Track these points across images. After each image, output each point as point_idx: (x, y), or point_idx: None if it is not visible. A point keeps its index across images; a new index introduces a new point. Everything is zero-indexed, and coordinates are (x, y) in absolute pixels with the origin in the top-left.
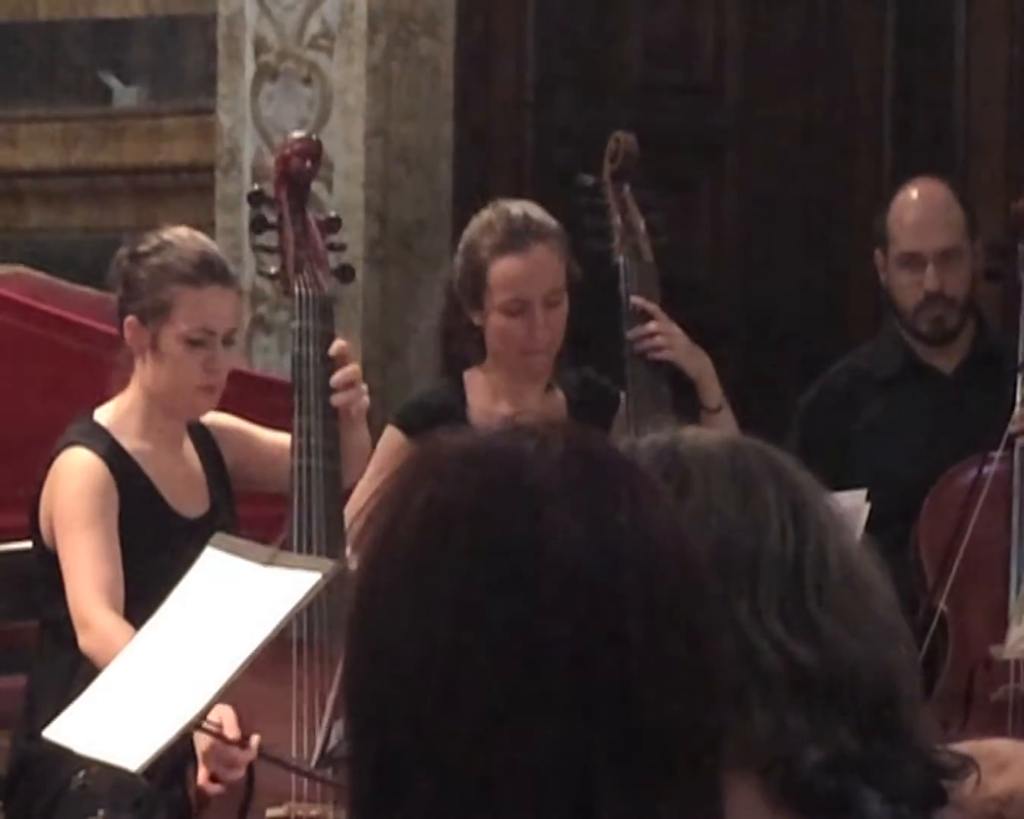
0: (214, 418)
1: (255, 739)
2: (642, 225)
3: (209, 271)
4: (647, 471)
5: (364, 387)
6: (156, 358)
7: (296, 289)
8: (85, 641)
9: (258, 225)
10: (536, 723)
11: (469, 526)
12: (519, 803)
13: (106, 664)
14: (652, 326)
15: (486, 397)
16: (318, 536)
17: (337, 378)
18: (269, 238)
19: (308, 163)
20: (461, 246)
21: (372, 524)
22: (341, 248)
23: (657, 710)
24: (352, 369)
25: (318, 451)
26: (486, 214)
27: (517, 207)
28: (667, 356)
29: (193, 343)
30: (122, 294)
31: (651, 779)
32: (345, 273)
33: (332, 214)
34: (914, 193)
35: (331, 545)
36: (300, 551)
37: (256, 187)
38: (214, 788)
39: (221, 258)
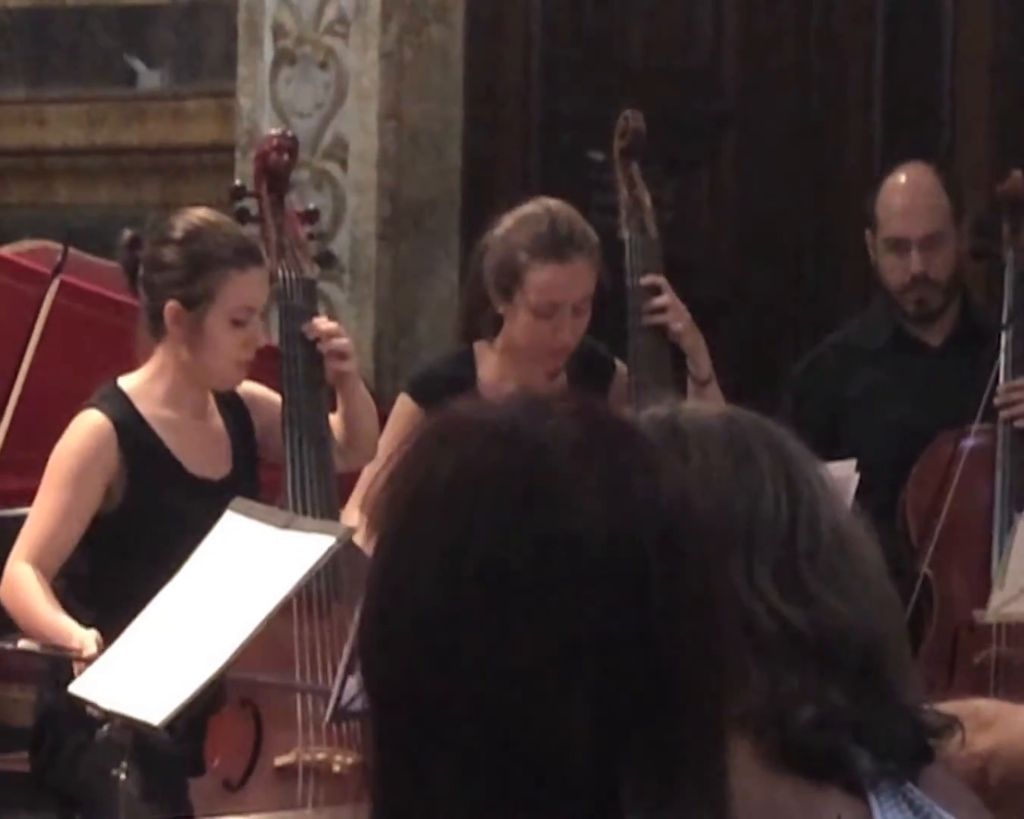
0: (247, 387)
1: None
2: (648, 201)
3: (249, 254)
4: (658, 442)
5: (347, 344)
6: (197, 338)
7: (279, 273)
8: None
9: (241, 217)
10: (561, 691)
11: (494, 506)
12: (542, 765)
13: (9, 609)
14: (664, 299)
15: (495, 373)
16: (311, 500)
17: (326, 345)
18: (253, 228)
19: (285, 157)
20: (499, 234)
21: (393, 489)
22: (320, 238)
23: (679, 674)
24: (341, 342)
25: (306, 421)
26: (531, 210)
27: (561, 213)
28: (676, 328)
29: (236, 323)
30: (154, 278)
31: (673, 750)
32: (327, 259)
33: (311, 206)
34: (902, 179)
35: (323, 508)
36: (295, 510)
37: (238, 182)
38: None
39: (253, 240)
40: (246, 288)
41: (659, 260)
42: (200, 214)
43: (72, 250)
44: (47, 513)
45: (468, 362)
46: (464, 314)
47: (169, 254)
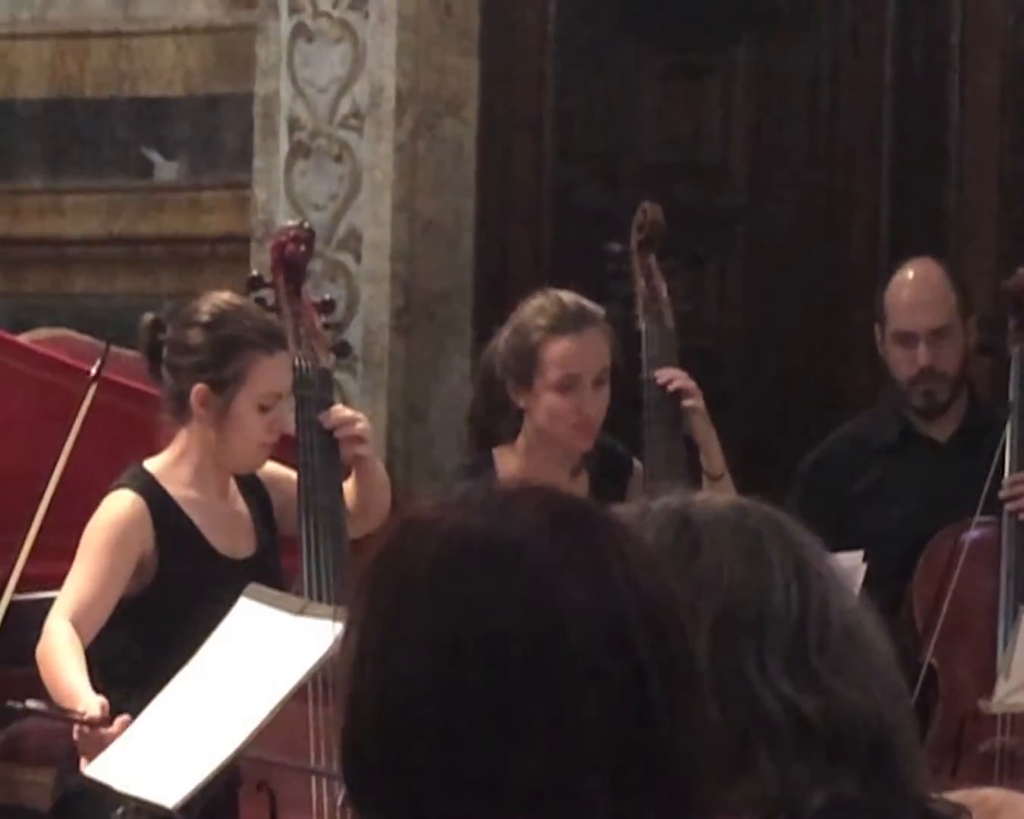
0: (265, 467)
1: (122, 718)
2: (665, 293)
3: (276, 339)
4: (629, 524)
5: (364, 430)
6: (223, 420)
7: (296, 362)
8: (39, 646)
9: (259, 307)
10: (569, 773)
11: (479, 610)
12: None
13: (41, 663)
14: (682, 374)
15: (517, 476)
16: (327, 583)
17: (342, 432)
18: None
19: (302, 248)
20: (509, 330)
21: (372, 592)
22: (336, 328)
23: (678, 750)
24: (358, 428)
25: (322, 508)
26: (538, 300)
27: (567, 295)
28: (692, 405)
29: (263, 407)
30: (180, 361)
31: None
32: (342, 349)
33: (327, 297)
34: (910, 273)
35: (340, 591)
36: (311, 597)
37: (255, 272)
38: None
39: (277, 324)
40: (274, 373)
41: (674, 352)
42: (225, 298)
43: (89, 338)
44: (85, 578)
45: (488, 468)
46: (475, 425)
47: (196, 337)
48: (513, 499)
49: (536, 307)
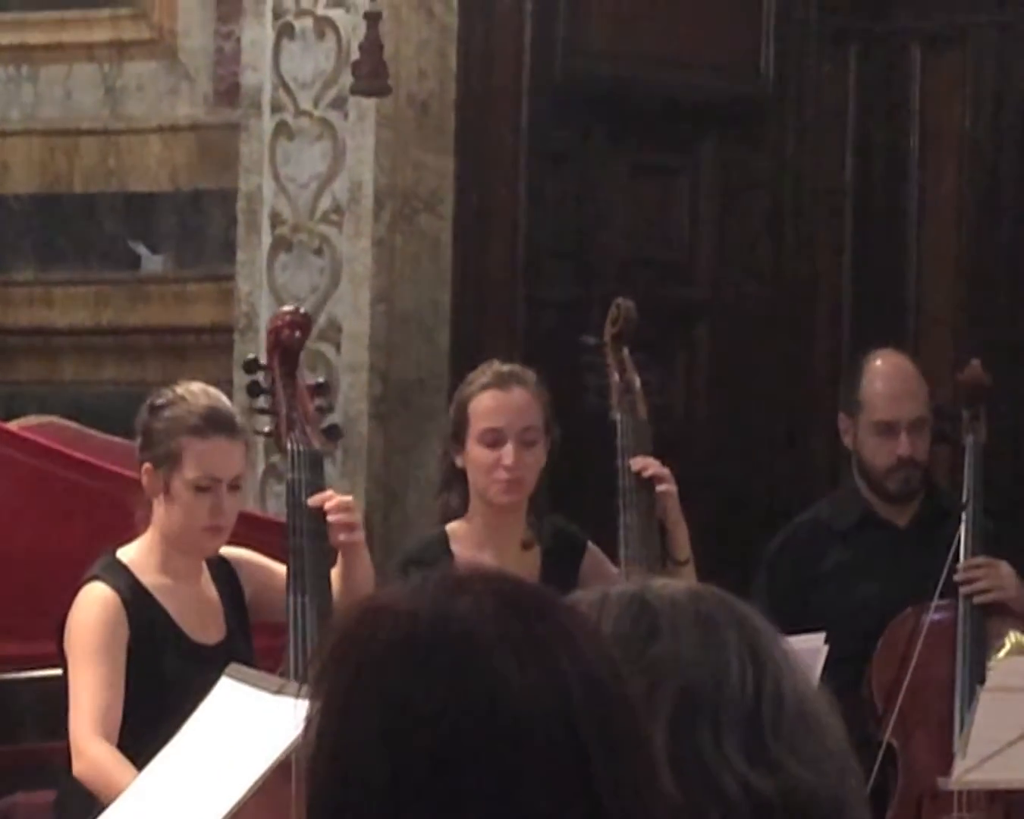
0: (236, 553)
1: None
2: (638, 384)
3: (215, 423)
4: (581, 609)
5: (356, 518)
6: (168, 501)
7: (288, 446)
8: (78, 767)
9: (254, 389)
10: None
11: (423, 695)
12: None
13: (96, 789)
14: (656, 462)
15: (470, 548)
16: None
17: (333, 517)
18: (264, 401)
19: (297, 333)
20: (455, 397)
21: (326, 676)
22: (329, 410)
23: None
24: (350, 515)
25: (310, 589)
26: (477, 370)
27: (503, 364)
28: (666, 490)
29: (200, 489)
30: (140, 443)
31: None
32: (333, 432)
33: (320, 380)
34: (885, 365)
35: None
36: (291, 680)
37: (251, 356)
38: None
39: (229, 412)
40: (207, 457)
41: (648, 442)
42: (189, 385)
43: (77, 425)
44: (94, 687)
45: (443, 542)
46: (438, 504)
47: (151, 420)
48: (462, 584)
49: (474, 373)
